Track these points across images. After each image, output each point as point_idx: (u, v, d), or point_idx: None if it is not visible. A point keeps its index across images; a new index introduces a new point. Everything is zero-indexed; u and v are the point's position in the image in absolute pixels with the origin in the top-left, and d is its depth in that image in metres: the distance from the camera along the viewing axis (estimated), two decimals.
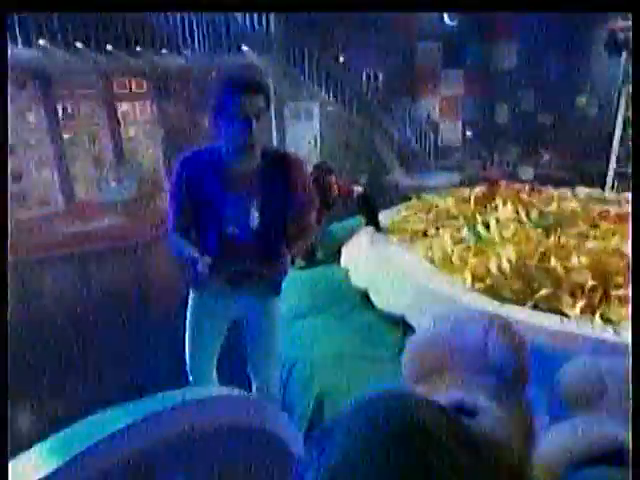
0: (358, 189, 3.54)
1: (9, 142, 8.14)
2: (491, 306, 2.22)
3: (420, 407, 0.37)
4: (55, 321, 4.36)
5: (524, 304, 2.25)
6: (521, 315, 2.13)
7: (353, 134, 10.94)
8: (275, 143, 10.82)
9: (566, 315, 2.12)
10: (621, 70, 7.44)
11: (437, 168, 11.35)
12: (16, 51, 7.20)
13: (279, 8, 8.78)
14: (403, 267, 2.70)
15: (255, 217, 1.65)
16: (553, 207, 3.26)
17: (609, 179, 6.61)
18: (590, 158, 9.93)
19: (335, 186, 3.43)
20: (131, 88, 9.59)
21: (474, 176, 10.63)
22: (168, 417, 0.64)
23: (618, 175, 6.54)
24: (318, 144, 11.37)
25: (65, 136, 8.81)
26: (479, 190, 3.77)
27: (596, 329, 1.96)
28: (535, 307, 2.23)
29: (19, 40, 7.18)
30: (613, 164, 6.62)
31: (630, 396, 0.52)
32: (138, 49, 8.16)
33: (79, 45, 7.55)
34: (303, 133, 11.30)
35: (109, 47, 7.83)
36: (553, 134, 11.51)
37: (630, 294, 1.84)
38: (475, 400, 0.51)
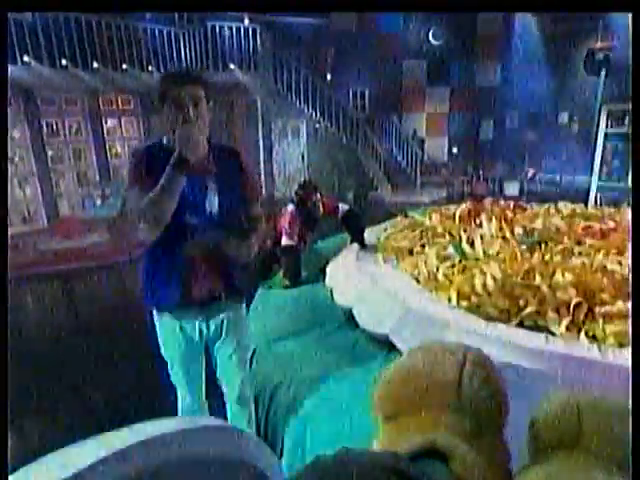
0: (343, 207, 3.52)
1: None
2: (476, 325, 2.20)
3: (371, 472, 0.34)
4: (36, 339, 4.24)
5: (510, 322, 2.22)
6: (506, 334, 2.10)
7: (340, 151, 11.01)
8: (262, 161, 10.84)
9: (552, 333, 2.10)
10: (600, 88, 7.62)
11: (424, 184, 11.44)
12: None
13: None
14: (388, 286, 2.67)
15: (214, 202, 1.67)
16: (538, 224, 3.26)
17: (591, 194, 6.70)
18: (573, 173, 10.11)
19: (320, 204, 3.42)
20: (118, 105, 9.56)
21: (460, 192, 10.75)
22: (151, 447, 0.60)
23: (600, 190, 6.64)
24: (305, 161, 11.40)
25: (49, 152, 8.72)
26: (464, 207, 3.77)
27: (581, 348, 1.94)
28: (521, 325, 2.21)
29: None
30: (595, 179, 6.72)
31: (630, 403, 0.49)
32: (125, 66, 8.14)
33: (64, 62, 7.51)
34: (290, 151, 11.34)
35: (95, 64, 7.81)
36: (537, 150, 11.72)
37: (631, 294, 1.83)
38: (449, 442, 0.47)
